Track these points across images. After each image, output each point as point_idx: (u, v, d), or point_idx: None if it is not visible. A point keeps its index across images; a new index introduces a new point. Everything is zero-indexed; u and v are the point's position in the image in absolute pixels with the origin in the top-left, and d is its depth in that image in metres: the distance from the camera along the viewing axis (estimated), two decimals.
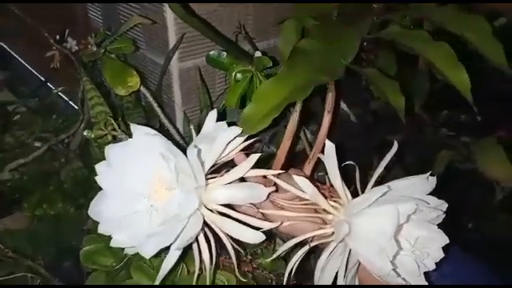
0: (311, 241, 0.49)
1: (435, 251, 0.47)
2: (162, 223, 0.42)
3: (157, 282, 0.47)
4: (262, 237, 0.45)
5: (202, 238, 0.47)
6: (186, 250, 0.64)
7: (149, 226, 0.43)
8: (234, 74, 0.56)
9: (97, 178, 0.45)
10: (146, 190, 0.45)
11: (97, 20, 0.99)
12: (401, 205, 0.43)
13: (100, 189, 0.46)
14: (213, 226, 0.46)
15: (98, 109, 0.61)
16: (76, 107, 1.00)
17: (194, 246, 0.47)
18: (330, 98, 0.50)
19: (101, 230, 0.44)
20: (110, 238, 0.63)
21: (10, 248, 0.71)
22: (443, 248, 0.50)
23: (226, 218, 0.45)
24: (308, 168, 0.53)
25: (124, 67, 0.56)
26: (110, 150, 0.44)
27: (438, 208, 0.47)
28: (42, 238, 0.77)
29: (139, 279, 0.54)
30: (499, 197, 0.77)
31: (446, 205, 0.47)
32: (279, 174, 0.48)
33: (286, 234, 0.52)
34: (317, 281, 0.49)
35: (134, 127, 0.44)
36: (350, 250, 0.47)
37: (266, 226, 0.46)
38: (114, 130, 0.52)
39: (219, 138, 0.44)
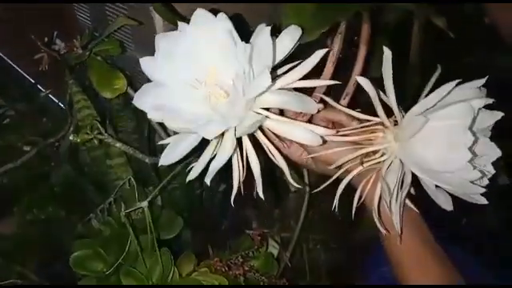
0: (362, 163, 0.48)
1: (489, 166, 0.47)
2: (227, 103, 0.41)
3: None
4: (319, 140, 0.44)
5: (248, 144, 0.45)
6: (178, 252, 0.64)
7: (209, 110, 0.42)
8: None
9: (143, 68, 0.44)
10: (203, 76, 0.43)
11: (85, 21, 0.97)
12: (470, 101, 0.43)
13: None
14: (259, 134, 0.45)
15: (84, 112, 0.60)
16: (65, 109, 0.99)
17: (235, 158, 0.46)
18: (365, 29, 0.50)
19: (150, 116, 0.43)
20: (100, 243, 0.62)
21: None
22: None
23: (280, 120, 0.44)
24: (344, 103, 0.53)
25: (111, 70, 0.55)
26: (161, 39, 0.44)
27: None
28: (33, 242, 0.76)
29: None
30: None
31: (502, 114, 0.46)
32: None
33: (324, 165, 0.52)
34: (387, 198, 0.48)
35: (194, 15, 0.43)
36: (404, 173, 0.48)
37: (320, 131, 0.44)
38: (100, 133, 0.51)
39: (282, 39, 0.43)
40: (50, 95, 1.04)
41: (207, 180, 0.44)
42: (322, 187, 0.52)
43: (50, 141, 0.76)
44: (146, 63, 0.44)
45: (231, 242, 0.68)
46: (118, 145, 0.54)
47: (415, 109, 0.46)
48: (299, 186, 0.49)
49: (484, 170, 0.46)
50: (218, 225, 0.61)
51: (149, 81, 0.74)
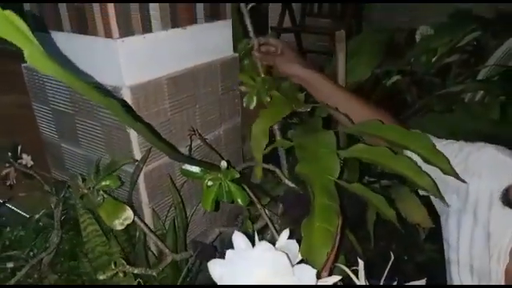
0: None
1: None
2: None
3: None
4: None
5: None
6: None
7: None
8: (206, 182, 0.67)
9: (211, 272, 0.49)
10: None
11: (48, 133, 1.04)
12: None
13: None
14: None
15: (89, 229, 0.68)
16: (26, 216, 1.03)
17: None
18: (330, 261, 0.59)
19: None
20: None
21: None
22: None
23: None
24: None
25: (116, 204, 0.64)
26: (231, 254, 0.49)
27: None
28: None
29: None
30: (422, 236, 0.95)
31: None
32: None
33: None
34: None
35: (260, 244, 0.49)
36: None
37: None
38: (123, 265, 0.60)
39: None
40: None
41: None
42: None
43: (41, 256, 0.80)
44: (214, 267, 0.50)
45: None
46: (136, 271, 0.63)
47: None
48: None
49: None
50: None
51: (132, 188, 0.84)
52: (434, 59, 1.52)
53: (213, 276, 0.49)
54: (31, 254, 0.97)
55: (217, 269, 0.49)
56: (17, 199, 1.11)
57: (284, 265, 0.48)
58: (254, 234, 0.83)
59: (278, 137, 0.89)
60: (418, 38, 1.68)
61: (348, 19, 3.05)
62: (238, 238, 0.51)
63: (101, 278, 0.57)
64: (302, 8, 3.48)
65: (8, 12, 0.25)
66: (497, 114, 1.05)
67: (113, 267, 0.58)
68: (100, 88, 0.77)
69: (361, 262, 0.56)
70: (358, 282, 0.57)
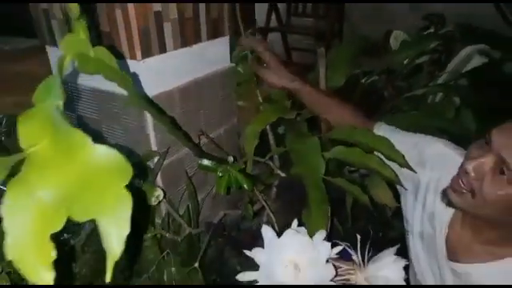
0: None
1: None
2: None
3: None
4: None
5: None
6: None
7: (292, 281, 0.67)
8: (218, 173, 0.86)
9: (253, 255, 0.67)
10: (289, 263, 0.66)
11: None
12: (398, 262, 0.72)
13: None
14: None
15: None
16: None
17: None
18: None
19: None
20: None
21: None
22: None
23: None
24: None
25: (151, 186, 0.83)
26: (268, 243, 0.67)
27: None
28: None
29: None
30: (389, 214, 1.16)
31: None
32: None
33: None
34: None
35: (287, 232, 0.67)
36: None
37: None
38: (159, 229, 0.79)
39: None
40: None
41: None
42: None
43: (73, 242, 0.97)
44: (256, 253, 0.68)
45: None
46: (167, 234, 0.81)
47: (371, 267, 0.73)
48: None
49: None
50: None
51: (154, 179, 1.02)
52: (405, 62, 1.72)
53: (257, 261, 0.66)
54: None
55: (259, 255, 0.67)
56: None
57: (308, 244, 0.67)
58: (253, 214, 1.03)
59: (270, 134, 1.09)
60: (392, 41, 1.88)
61: (331, 20, 3.25)
62: (267, 230, 0.69)
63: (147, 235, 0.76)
64: (288, 8, 3.66)
65: (127, 76, 0.44)
66: (452, 114, 1.26)
67: (152, 230, 0.78)
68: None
69: (358, 236, 0.74)
70: (353, 254, 0.74)
